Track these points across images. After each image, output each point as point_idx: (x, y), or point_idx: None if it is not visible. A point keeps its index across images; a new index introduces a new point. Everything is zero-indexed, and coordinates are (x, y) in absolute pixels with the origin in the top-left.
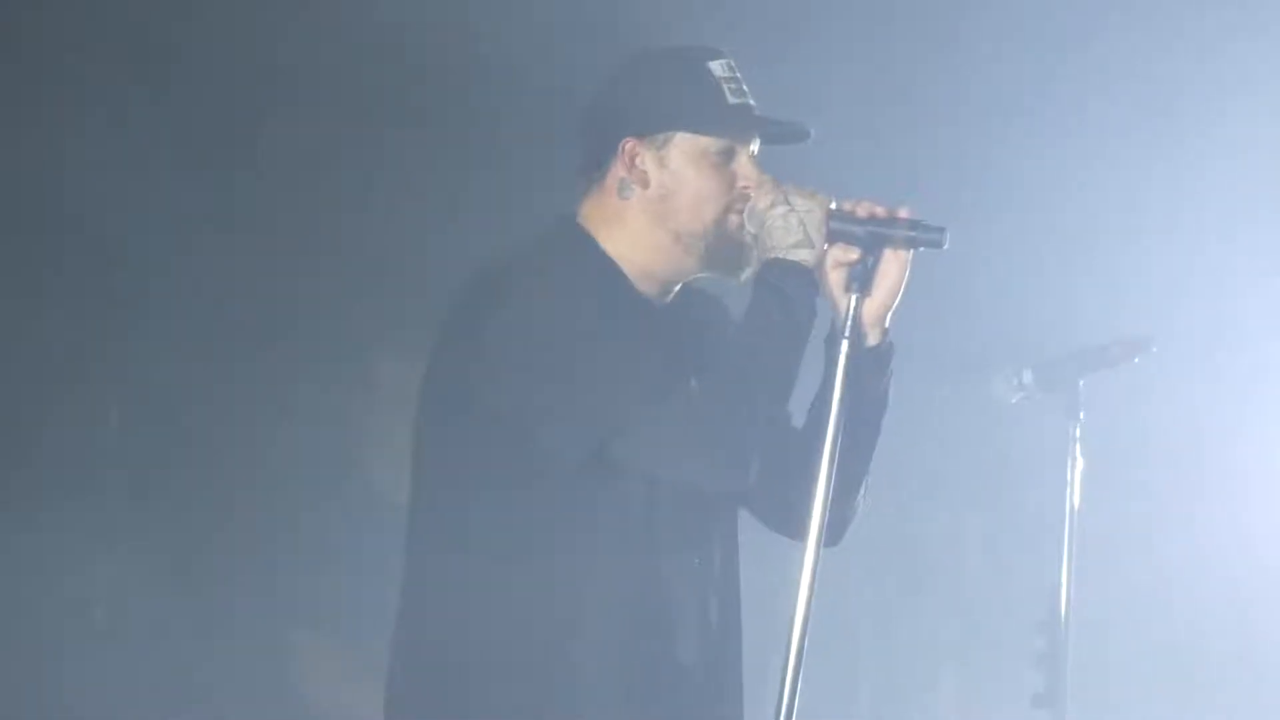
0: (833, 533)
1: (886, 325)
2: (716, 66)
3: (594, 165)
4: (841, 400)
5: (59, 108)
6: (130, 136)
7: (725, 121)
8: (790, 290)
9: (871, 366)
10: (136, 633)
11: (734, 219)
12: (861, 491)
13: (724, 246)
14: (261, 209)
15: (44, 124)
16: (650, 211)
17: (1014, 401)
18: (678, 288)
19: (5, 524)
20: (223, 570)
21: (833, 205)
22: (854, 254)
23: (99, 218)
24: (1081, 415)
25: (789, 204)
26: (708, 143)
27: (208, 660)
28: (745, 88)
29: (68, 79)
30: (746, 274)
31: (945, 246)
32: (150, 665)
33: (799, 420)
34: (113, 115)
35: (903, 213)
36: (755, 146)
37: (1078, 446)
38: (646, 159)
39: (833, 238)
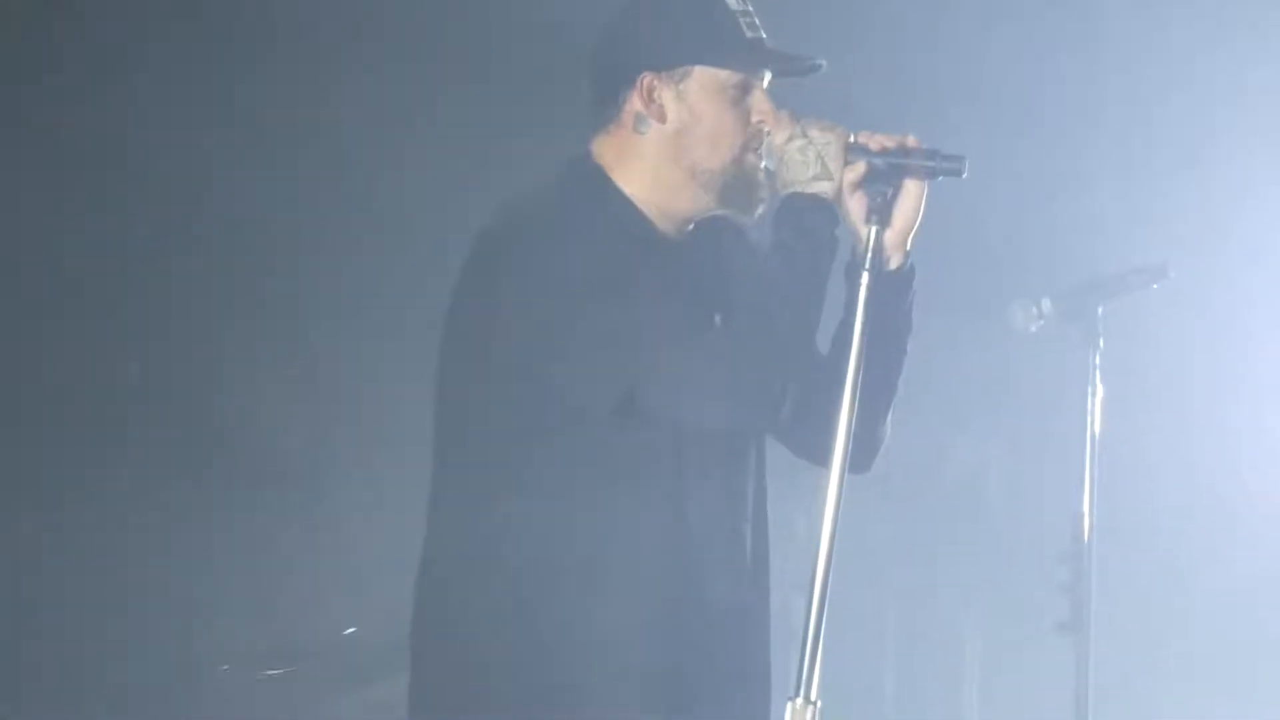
0: (863, 459)
1: (908, 249)
2: (731, 0)
3: (608, 100)
4: (864, 331)
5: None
6: (134, 98)
7: (743, 56)
8: (811, 224)
9: (894, 290)
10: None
11: (750, 156)
12: (889, 416)
13: (740, 182)
14: (264, 165)
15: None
16: (667, 146)
17: (1033, 330)
18: (695, 221)
19: (7, 522)
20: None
21: (851, 138)
22: (868, 176)
23: (100, 196)
24: (1101, 343)
25: (806, 137)
26: (725, 77)
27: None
28: (758, 21)
29: (70, 51)
30: (761, 210)
31: (964, 175)
32: (155, 659)
33: (824, 348)
34: (121, 78)
35: (911, 141)
36: (767, 80)
37: (1098, 374)
38: (664, 93)
39: (851, 169)
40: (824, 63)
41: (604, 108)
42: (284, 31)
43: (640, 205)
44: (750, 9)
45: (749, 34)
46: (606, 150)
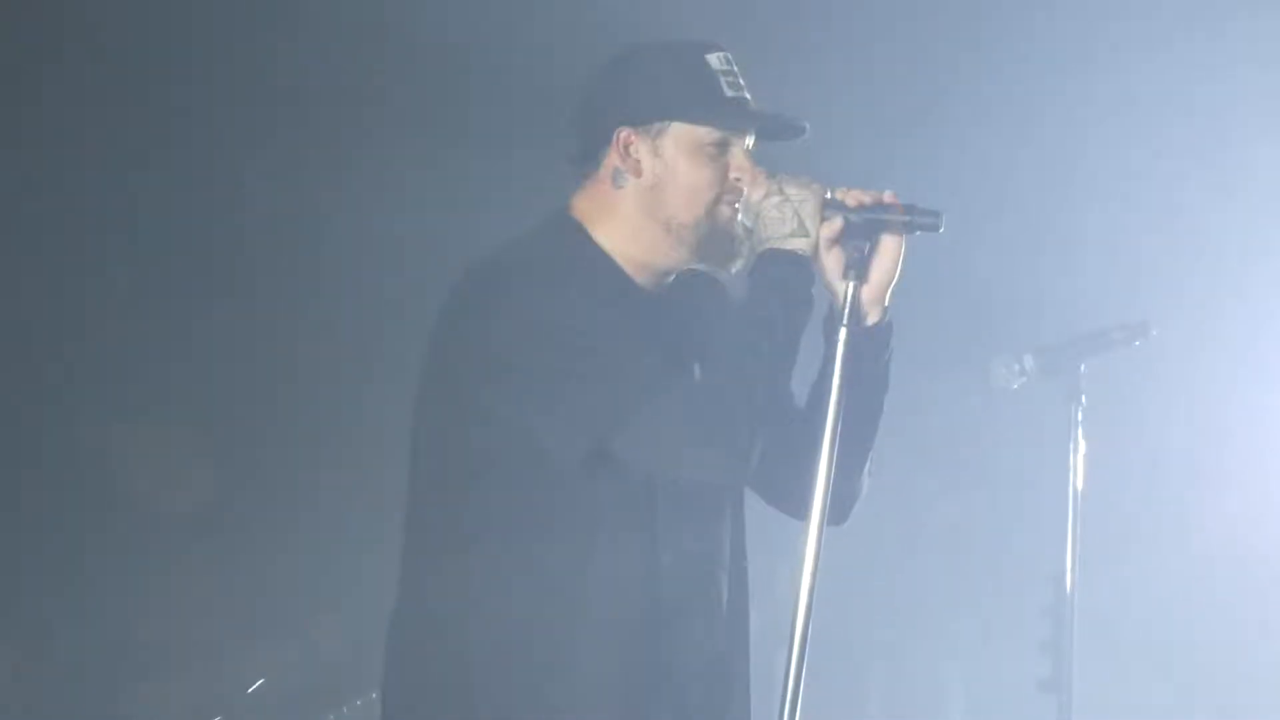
0: (839, 511)
1: (886, 304)
2: (714, 59)
3: (588, 155)
4: (841, 386)
5: (63, 108)
6: (134, 134)
7: (720, 113)
8: (787, 280)
9: (871, 346)
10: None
11: (726, 210)
12: (866, 469)
13: (716, 238)
14: (254, 204)
15: (50, 125)
16: (643, 201)
17: (1015, 387)
18: (674, 275)
19: (13, 526)
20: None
21: (827, 194)
22: (844, 231)
23: (98, 217)
24: (1083, 399)
25: (783, 194)
26: (702, 133)
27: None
28: (742, 82)
29: (68, 80)
30: (738, 265)
31: (941, 230)
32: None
33: (801, 401)
34: (117, 114)
35: (889, 196)
36: (750, 141)
37: (1079, 431)
38: (640, 148)
39: (828, 225)
40: (807, 125)
41: (583, 162)
42: (279, 94)
43: (617, 259)
44: (735, 69)
45: (729, 93)
46: (585, 204)
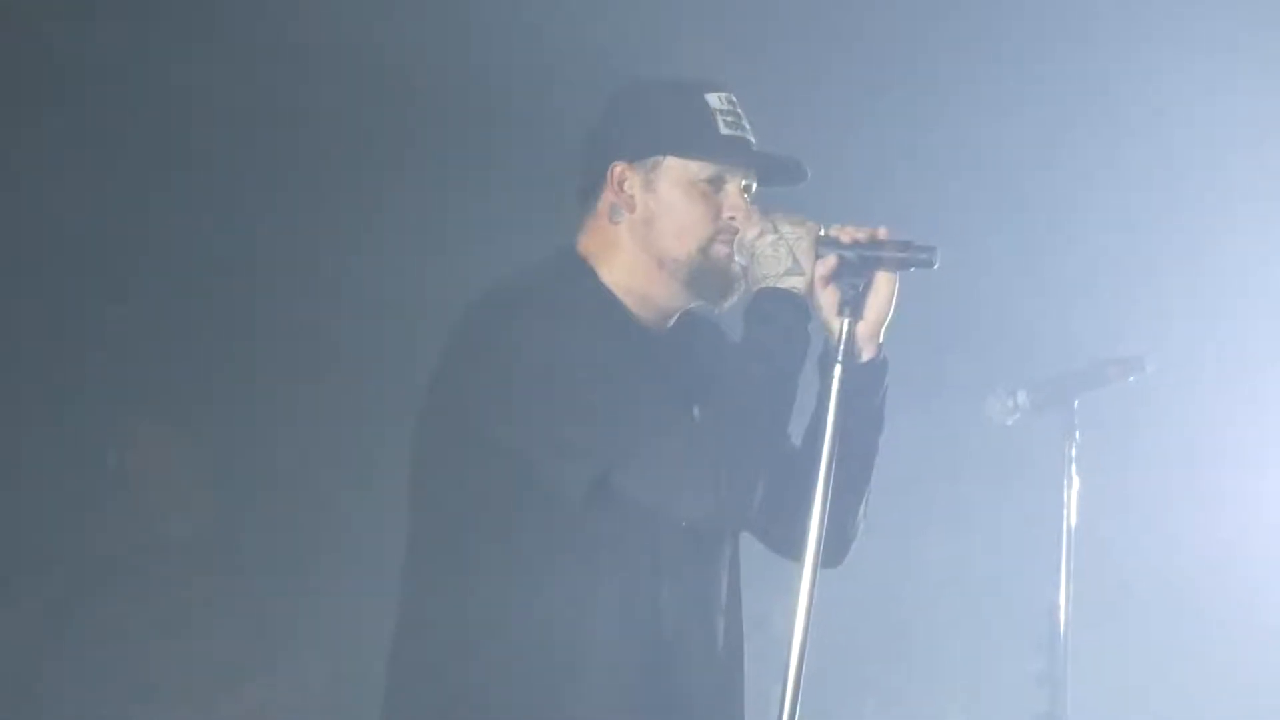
0: (835, 553)
1: (880, 341)
2: (714, 98)
3: (589, 191)
4: (836, 423)
5: (65, 134)
6: (134, 157)
7: (713, 148)
8: (783, 319)
9: (866, 383)
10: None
11: (721, 249)
12: (862, 510)
13: (710, 275)
14: (264, 228)
15: (54, 147)
16: (638, 235)
17: (1009, 423)
18: (676, 315)
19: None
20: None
21: (822, 231)
22: (839, 269)
23: (100, 232)
24: (1077, 435)
25: (778, 232)
26: (695, 169)
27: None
28: (744, 123)
29: (71, 110)
30: (730, 302)
31: (936, 266)
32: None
33: (797, 441)
34: (116, 138)
35: (883, 233)
36: (752, 183)
37: (1073, 466)
38: (635, 183)
39: (822, 262)
40: (808, 170)
41: (585, 199)
42: (287, 121)
43: (620, 295)
44: (737, 110)
45: (725, 130)
46: (588, 241)
